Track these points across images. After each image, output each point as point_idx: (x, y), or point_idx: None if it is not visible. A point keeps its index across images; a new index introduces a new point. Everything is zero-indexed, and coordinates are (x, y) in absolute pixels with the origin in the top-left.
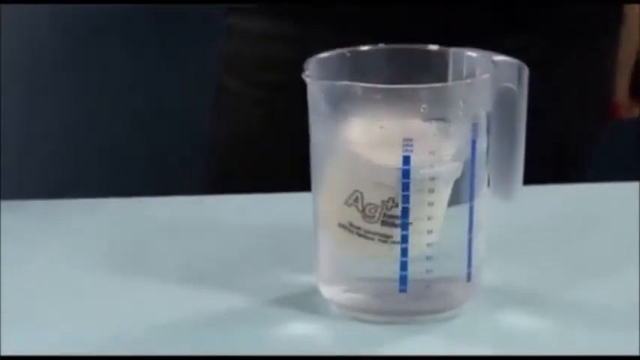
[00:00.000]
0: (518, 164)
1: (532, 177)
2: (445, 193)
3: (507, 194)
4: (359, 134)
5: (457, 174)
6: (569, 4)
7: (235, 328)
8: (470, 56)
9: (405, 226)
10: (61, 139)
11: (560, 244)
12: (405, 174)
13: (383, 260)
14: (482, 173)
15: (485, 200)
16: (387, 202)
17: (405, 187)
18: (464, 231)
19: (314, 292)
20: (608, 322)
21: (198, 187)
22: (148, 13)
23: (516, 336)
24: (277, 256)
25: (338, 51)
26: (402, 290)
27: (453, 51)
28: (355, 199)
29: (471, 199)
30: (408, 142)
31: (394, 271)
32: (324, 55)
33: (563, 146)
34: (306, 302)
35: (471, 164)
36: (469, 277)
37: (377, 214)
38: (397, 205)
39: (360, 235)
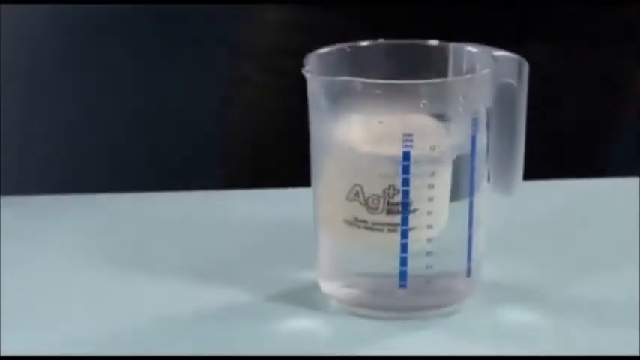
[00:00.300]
0: (518, 160)
1: (532, 172)
2: (445, 188)
3: (507, 190)
4: (359, 130)
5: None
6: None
7: (235, 323)
8: (470, 51)
9: (405, 221)
10: (61, 139)
11: (561, 239)
12: (405, 169)
13: (383, 256)
14: (482, 169)
15: (486, 196)
16: (389, 190)
17: (405, 182)
18: (464, 226)
19: (314, 287)
20: (608, 317)
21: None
22: (147, 13)
23: (516, 331)
24: (277, 252)
25: (338, 46)
26: (402, 286)
27: (453, 46)
28: (356, 194)
29: (471, 194)
30: (407, 138)
31: (394, 266)
32: (323, 50)
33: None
34: (306, 298)
35: (470, 160)
36: (469, 273)
37: (381, 205)
38: (399, 192)
39: (367, 228)
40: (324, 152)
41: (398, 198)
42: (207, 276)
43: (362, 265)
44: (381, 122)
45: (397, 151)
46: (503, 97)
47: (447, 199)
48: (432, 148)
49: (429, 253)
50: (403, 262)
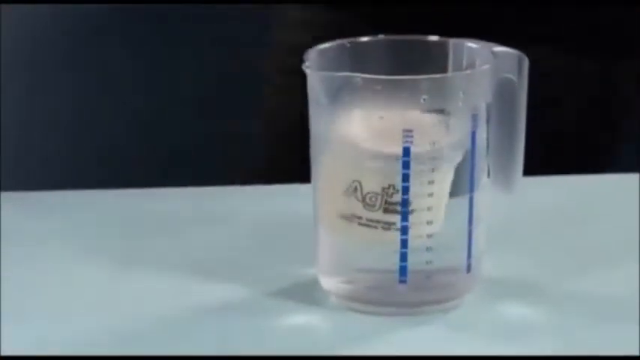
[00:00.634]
0: (519, 156)
1: (532, 168)
2: (445, 184)
3: (507, 185)
4: (359, 125)
5: (458, 159)
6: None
7: (235, 319)
8: (470, 47)
9: (405, 217)
10: (61, 139)
11: (561, 235)
12: (405, 165)
13: (383, 251)
14: (482, 164)
15: (485, 191)
16: (388, 189)
17: (405, 178)
18: (464, 222)
19: (314, 283)
20: (608, 313)
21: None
22: (148, 13)
23: (517, 327)
24: (277, 248)
25: (338, 42)
26: (402, 281)
27: (453, 42)
28: (354, 189)
29: (471, 190)
30: (407, 133)
31: (394, 262)
32: (323, 45)
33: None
34: (306, 293)
35: (470, 155)
36: (469, 269)
37: (378, 203)
38: (398, 192)
39: (362, 224)
40: (323, 148)
41: (397, 197)
42: (207, 272)
43: (362, 261)
44: (381, 118)
45: (397, 147)
46: (504, 92)
47: (447, 195)
48: (432, 144)
49: (429, 249)
50: (403, 257)
